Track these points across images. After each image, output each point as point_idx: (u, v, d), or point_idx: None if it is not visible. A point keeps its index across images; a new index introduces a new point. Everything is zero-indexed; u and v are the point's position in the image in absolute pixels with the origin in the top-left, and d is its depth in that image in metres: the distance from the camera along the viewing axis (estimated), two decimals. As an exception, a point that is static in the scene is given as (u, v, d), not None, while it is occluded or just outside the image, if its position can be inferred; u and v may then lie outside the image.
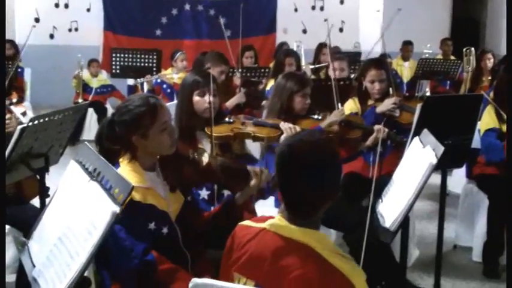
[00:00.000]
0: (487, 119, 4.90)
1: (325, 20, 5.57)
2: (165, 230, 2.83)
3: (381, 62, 5.04)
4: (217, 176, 3.12)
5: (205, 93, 3.74)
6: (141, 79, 7.82)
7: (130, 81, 8.94)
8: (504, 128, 4.82)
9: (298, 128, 4.04)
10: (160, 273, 2.71)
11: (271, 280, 2.15)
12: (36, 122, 3.21)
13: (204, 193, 3.73)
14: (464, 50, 9.69)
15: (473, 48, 9.67)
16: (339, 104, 4.59)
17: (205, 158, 3.13)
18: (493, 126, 4.86)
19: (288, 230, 2.19)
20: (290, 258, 2.13)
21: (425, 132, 3.17)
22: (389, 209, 3.03)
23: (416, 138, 3.22)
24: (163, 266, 2.74)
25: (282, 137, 3.90)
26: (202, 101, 3.74)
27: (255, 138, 4.05)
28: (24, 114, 6.05)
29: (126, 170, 2.82)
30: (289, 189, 2.21)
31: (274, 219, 2.27)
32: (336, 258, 2.11)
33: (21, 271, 3.96)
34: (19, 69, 9.19)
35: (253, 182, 3.15)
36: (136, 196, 2.74)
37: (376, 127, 4.42)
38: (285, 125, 4.04)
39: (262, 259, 2.19)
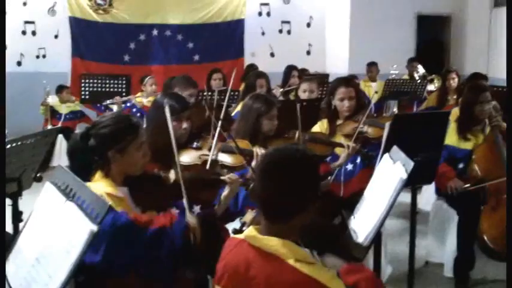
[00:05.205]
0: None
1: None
2: None
3: (349, 80, 5.12)
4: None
5: (181, 119, 3.75)
6: (110, 100, 7.84)
7: (101, 107, 8.92)
8: (464, 145, 4.98)
9: None
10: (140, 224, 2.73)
11: None
12: (9, 146, 3.20)
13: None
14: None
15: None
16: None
17: (172, 176, 3.14)
18: (448, 143, 4.89)
19: (257, 239, 2.22)
20: (257, 269, 2.16)
21: (395, 148, 3.22)
22: (362, 225, 3.06)
23: (386, 155, 3.27)
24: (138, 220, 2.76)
25: (253, 163, 3.77)
26: (178, 127, 3.74)
27: (223, 167, 3.91)
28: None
29: (98, 183, 2.85)
30: (267, 192, 2.24)
31: (248, 230, 2.30)
32: (305, 265, 2.13)
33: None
34: (-14, 96, 9.10)
35: (227, 190, 3.23)
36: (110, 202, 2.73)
37: (346, 144, 4.49)
38: (257, 150, 3.92)
39: (236, 270, 2.22)
